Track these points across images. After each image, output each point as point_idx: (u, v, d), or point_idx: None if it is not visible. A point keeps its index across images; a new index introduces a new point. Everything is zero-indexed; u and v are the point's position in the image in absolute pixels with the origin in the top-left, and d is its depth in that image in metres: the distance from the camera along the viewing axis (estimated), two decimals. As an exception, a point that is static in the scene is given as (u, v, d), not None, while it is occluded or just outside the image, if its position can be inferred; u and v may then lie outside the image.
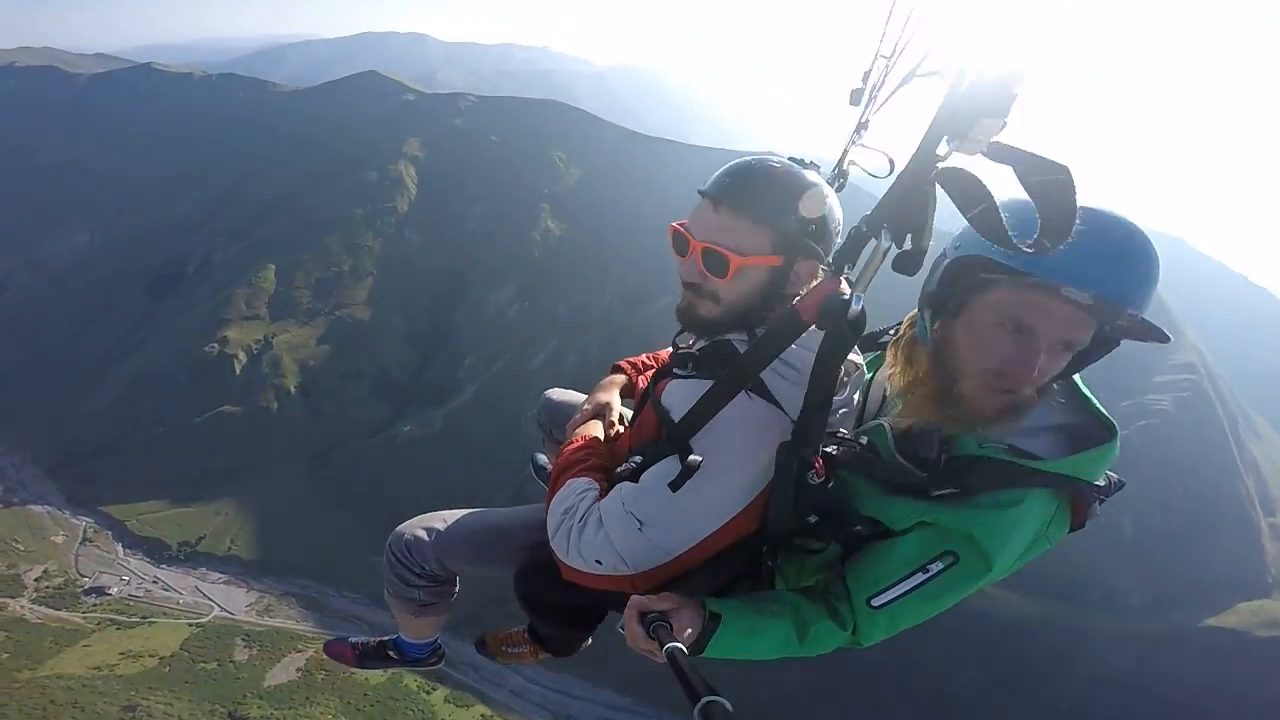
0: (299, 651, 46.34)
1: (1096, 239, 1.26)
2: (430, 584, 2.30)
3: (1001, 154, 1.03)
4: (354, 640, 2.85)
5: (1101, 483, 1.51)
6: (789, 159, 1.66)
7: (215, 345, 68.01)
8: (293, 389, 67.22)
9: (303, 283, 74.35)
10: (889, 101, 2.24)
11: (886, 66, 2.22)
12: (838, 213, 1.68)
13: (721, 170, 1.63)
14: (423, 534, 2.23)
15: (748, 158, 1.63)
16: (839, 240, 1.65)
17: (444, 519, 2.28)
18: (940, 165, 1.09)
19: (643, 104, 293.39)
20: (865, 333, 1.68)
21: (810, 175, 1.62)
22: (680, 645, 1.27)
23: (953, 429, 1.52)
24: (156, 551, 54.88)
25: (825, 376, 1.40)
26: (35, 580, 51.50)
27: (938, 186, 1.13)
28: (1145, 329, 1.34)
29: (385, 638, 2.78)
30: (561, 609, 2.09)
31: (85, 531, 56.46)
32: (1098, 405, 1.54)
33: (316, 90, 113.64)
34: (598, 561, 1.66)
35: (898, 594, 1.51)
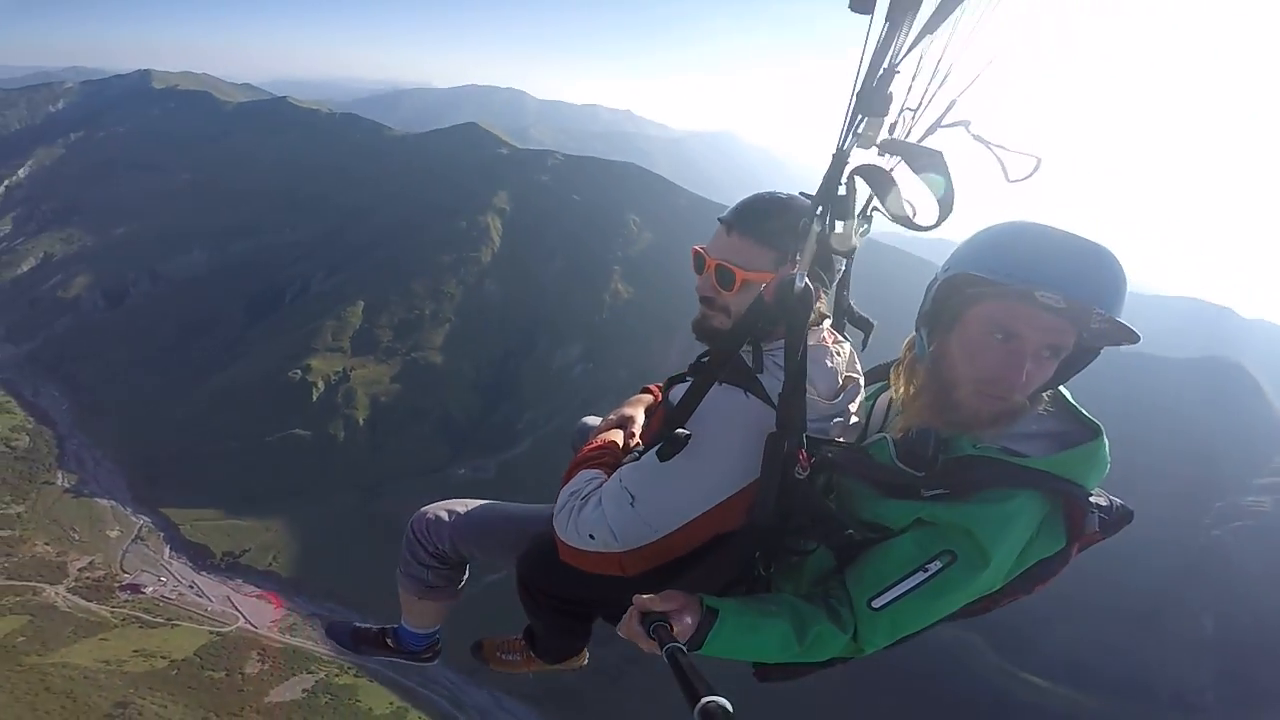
0: (309, 673, 46.58)
1: (1062, 249, 1.45)
2: (440, 565, 2.41)
3: (890, 147, 1.33)
4: (357, 624, 2.94)
5: (1102, 501, 1.63)
6: (798, 194, 1.84)
7: (298, 371, 72.30)
8: (360, 421, 70.25)
9: (386, 322, 78.71)
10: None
11: (912, 118, 2.49)
12: None
13: (738, 201, 1.84)
14: (443, 514, 2.38)
15: (761, 192, 1.84)
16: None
17: (465, 504, 2.43)
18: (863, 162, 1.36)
19: (717, 168, 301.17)
20: (874, 367, 2.04)
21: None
22: (680, 645, 1.30)
23: (949, 432, 1.60)
24: (200, 558, 56.94)
25: (793, 356, 1.56)
26: (79, 570, 53.62)
27: (858, 178, 1.49)
28: (1119, 331, 1.46)
29: (387, 626, 2.83)
30: (555, 596, 2.13)
31: (140, 530, 59.25)
32: (1083, 411, 1.64)
33: (423, 136, 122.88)
34: (591, 536, 1.75)
35: (898, 594, 1.53)
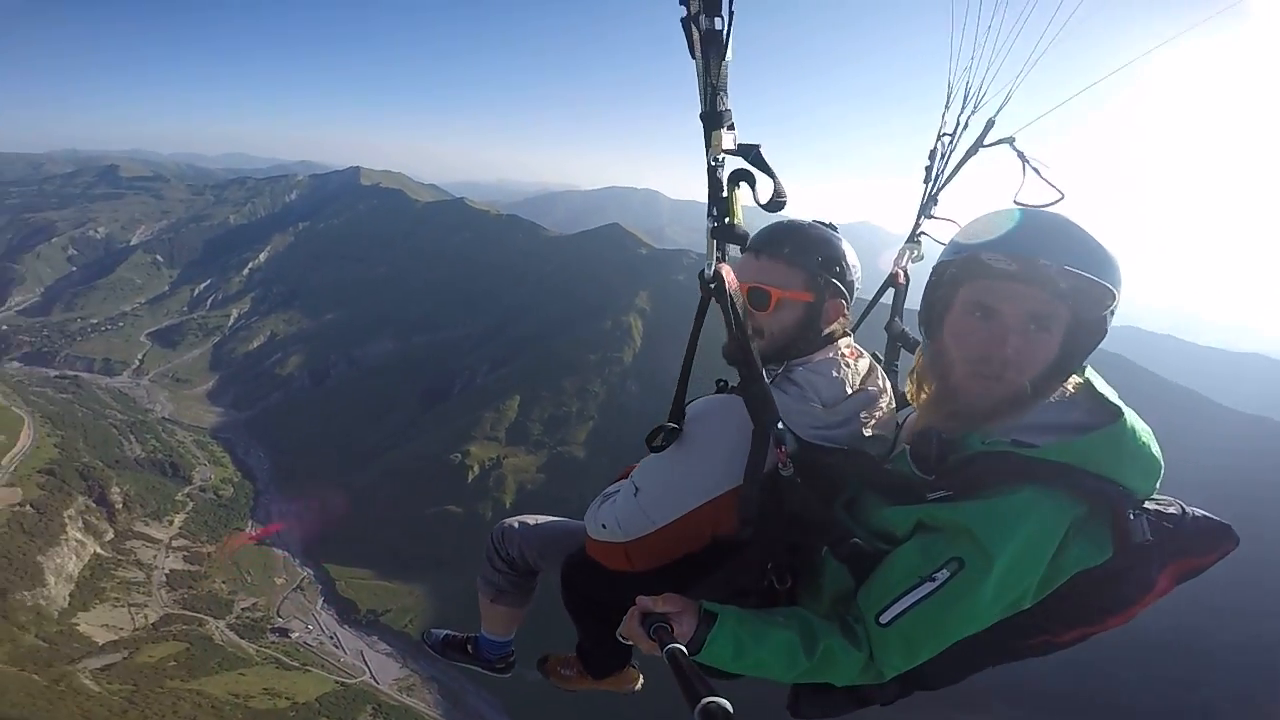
0: None
1: (1008, 217, 1.49)
2: (510, 571, 2.58)
3: (739, 151, 1.32)
4: (449, 632, 3.12)
5: (1170, 509, 1.47)
6: (814, 221, 1.97)
7: (458, 455, 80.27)
8: (507, 504, 75.51)
9: (537, 416, 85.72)
10: (956, 174, 2.65)
11: (950, 143, 2.61)
12: (854, 262, 1.96)
13: (760, 230, 1.91)
14: (516, 525, 2.58)
15: (780, 219, 1.85)
16: (858, 286, 1.98)
17: (538, 519, 2.61)
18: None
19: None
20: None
21: (837, 235, 1.97)
22: (681, 646, 1.31)
23: (955, 427, 1.54)
24: (346, 612, 62.85)
25: (742, 343, 1.52)
26: (242, 609, 61.12)
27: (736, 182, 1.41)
28: (1095, 290, 1.39)
29: (470, 634, 3.01)
30: (584, 596, 2.20)
31: (301, 580, 67.07)
32: (1111, 397, 1.49)
33: (573, 237, 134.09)
34: (603, 526, 1.88)
35: (905, 607, 1.42)
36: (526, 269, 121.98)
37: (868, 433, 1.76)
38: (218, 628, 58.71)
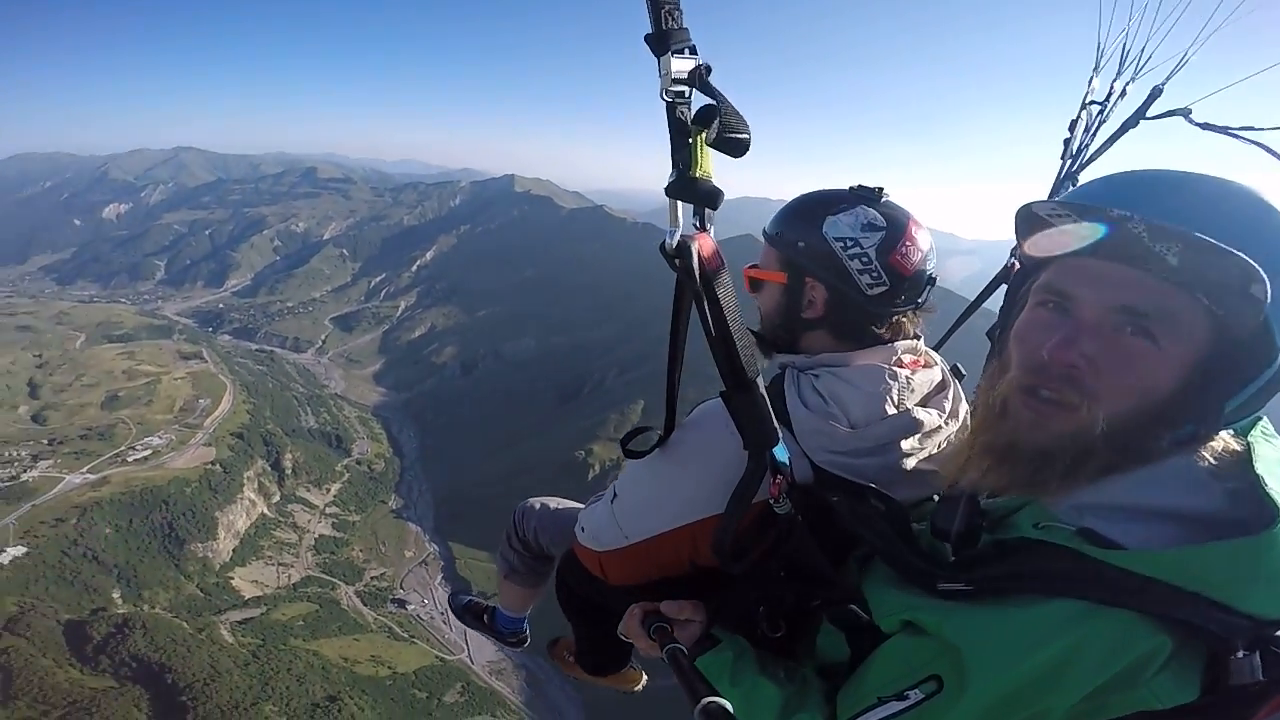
0: (494, 717, 50.33)
1: (1139, 176, 0.99)
2: (524, 551, 2.43)
3: (691, 79, 1.00)
4: (473, 598, 3.08)
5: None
6: (850, 189, 1.53)
7: (582, 453, 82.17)
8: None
9: (657, 424, 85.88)
10: (1105, 151, 2.22)
11: (1100, 114, 2.19)
12: (871, 241, 1.44)
13: None
14: (536, 505, 2.40)
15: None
16: (876, 277, 1.45)
17: (560, 502, 2.40)
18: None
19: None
20: None
21: (850, 204, 1.49)
22: (682, 647, 1.26)
23: (996, 482, 1.04)
24: (461, 591, 66.75)
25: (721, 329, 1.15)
26: (370, 578, 65.26)
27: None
28: (1240, 274, 0.84)
29: (490, 605, 2.96)
30: (571, 592, 2.03)
31: (427, 556, 70.87)
32: (1267, 485, 0.87)
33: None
34: (582, 528, 1.70)
35: None
36: (659, 276, 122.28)
37: (908, 466, 1.38)
38: (346, 593, 63.47)
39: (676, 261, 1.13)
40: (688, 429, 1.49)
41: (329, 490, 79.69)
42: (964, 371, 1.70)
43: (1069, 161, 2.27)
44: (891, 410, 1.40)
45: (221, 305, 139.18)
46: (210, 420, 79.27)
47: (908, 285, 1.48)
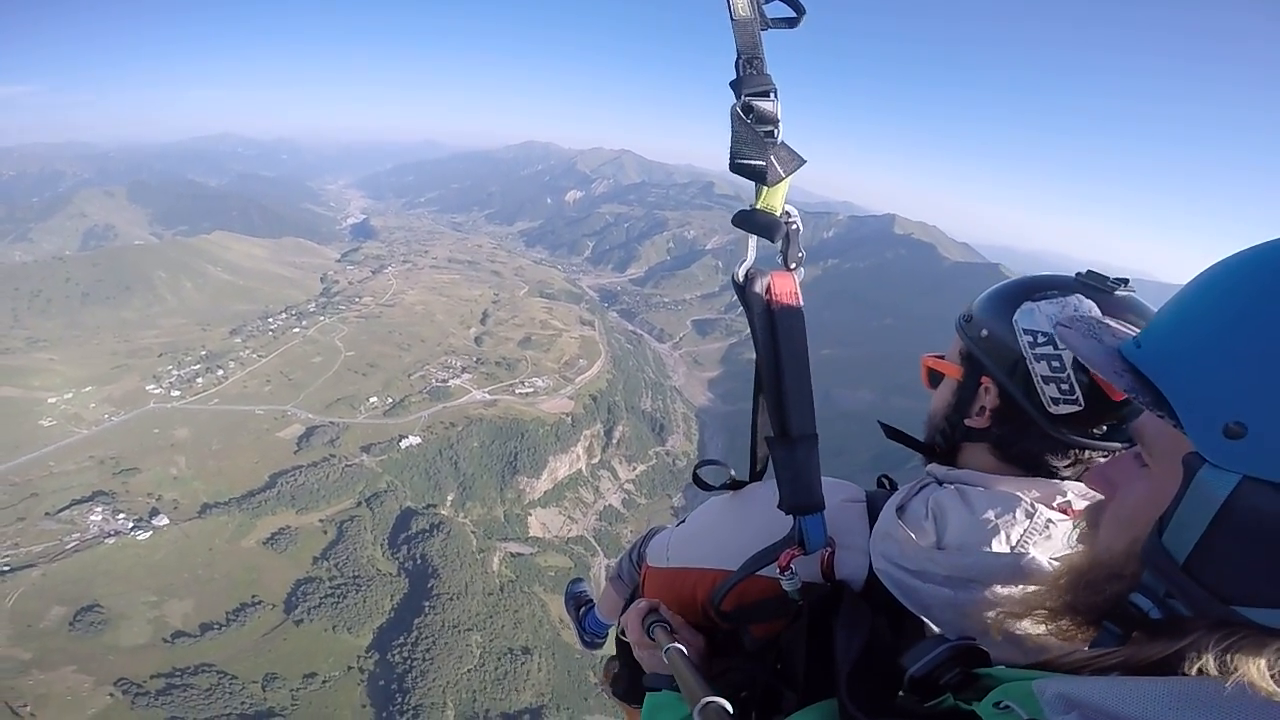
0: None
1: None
2: (633, 569, 2.28)
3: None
4: (583, 590, 2.91)
5: None
6: (1078, 274, 1.21)
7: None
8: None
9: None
10: None
11: None
12: (1069, 343, 0.96)
13: None
14: (667, 529, 2.11)
15: None
16: (1067, 391, 1.14)
17: (694, 533, 1.78)
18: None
19: None
20: None
21: (1063, 291, 1.17)
22: (680, 647, 1.22)
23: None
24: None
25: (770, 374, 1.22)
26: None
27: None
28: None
29: (592, 603, 2.79)
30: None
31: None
32: None
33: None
34: (652, 542, 1.76)
35: None
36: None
37: (989, 617, 1.04)
38: (598, 562, 67.88)
39: (743, 291, 1.14)
40: (766, 482, 1.44)
41: (635, 469, 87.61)
42: None
43: None
44: (1001, 548, 1.11)
45: (619, 288, 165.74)
46: (581, 378, 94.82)
47: (1110, 413, 1.14)
